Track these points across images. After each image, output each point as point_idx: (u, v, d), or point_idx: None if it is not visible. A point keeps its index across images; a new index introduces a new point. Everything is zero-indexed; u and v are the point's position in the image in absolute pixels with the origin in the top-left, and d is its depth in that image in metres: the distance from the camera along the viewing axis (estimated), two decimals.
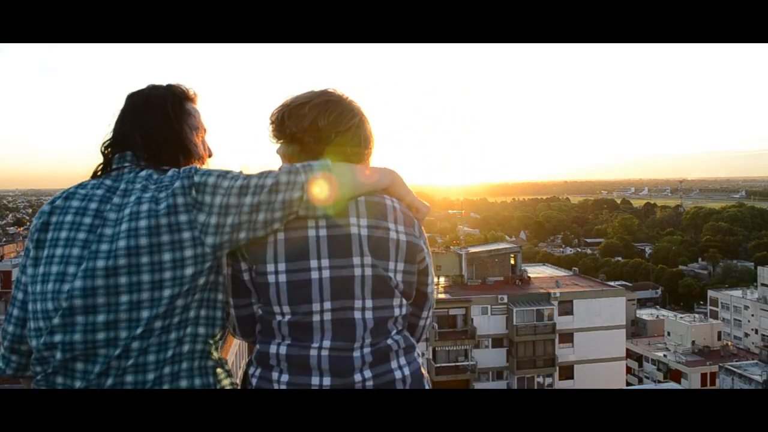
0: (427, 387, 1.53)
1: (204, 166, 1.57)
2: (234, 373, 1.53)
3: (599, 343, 35.21)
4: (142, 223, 1.36)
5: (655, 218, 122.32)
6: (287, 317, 1.42)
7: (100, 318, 1.33)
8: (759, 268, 57.42)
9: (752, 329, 55.19)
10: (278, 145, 1.59)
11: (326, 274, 1.42)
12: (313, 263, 1.42)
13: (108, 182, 1.49)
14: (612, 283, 50.06)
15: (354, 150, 1.55)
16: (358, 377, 1.41)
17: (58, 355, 1.35)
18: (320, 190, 1.42)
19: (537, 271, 43.45)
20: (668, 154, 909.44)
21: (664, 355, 47.16)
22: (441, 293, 36.29)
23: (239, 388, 1.54)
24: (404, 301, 1.53)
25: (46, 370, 1.38)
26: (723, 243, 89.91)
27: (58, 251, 1.39)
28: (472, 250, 41.56)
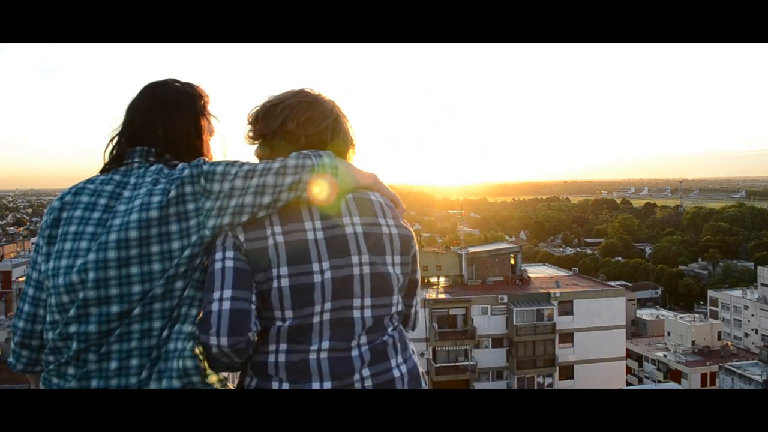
0: (424, 385, 1.53)
1: None
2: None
3: (599, 343, 35.18)
4: (153, 213, 1.38)
5: (655, 218, 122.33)
6: (288, 322, 1.40)
7: (114, 309, 1.35)
8: (759, 268, 57.35)
9: (752, 329, 55.16)
10: (254, 147, 1.58)
11: (327, 275, 1.41)
12: (315, 266, 1.41)
13: (117, 177, 1.50)
14: (612, 283, 50.06)
15: (332, 149, 1.52)
16: (356, 376, 1.41)
17: (74, 345, 1.37)
18: (327, 178, 1.44)
19: (537, 271, 43.43)
20: (668, 154, 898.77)
21: (664, 355, 47.12)
22: (441, 293, 36.30)
23: None
24: (400, 297, 1.53)
25: (59, 360, 1.40)
26: (723, 243, 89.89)
27: (68, 245, 1.41)
28: (472, 250, 41.57)
